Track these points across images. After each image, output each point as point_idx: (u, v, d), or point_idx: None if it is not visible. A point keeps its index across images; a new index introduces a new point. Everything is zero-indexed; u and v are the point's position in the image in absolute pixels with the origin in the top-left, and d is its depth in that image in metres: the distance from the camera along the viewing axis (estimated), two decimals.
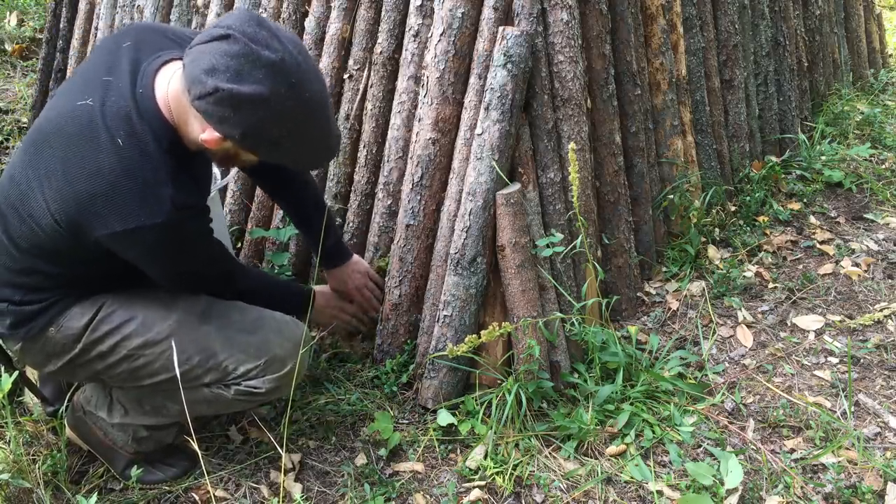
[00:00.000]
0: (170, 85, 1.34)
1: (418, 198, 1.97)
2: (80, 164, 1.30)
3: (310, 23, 2.25)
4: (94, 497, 1.49)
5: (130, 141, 1.31)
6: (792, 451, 1.75)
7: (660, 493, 1.65)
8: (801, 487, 1.63)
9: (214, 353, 1.51)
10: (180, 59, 1.38)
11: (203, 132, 1.31)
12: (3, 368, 1.63)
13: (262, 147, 1.32)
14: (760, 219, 2.68)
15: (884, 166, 3.06)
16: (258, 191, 2.40)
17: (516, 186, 1.87)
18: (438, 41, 1.89)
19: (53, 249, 1.40)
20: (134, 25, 1.51)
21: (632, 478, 1.69)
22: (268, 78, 1.23)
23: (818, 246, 2.56)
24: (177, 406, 1.56)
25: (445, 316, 1.88)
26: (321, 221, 1.87)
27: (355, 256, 1.99)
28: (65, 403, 1.73)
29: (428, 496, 1.69)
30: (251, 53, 1.22)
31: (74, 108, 1.34)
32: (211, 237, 1.50)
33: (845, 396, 1.91)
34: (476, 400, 1.88)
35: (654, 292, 2.37)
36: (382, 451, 1.79)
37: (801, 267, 2.48)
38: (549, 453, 1.78)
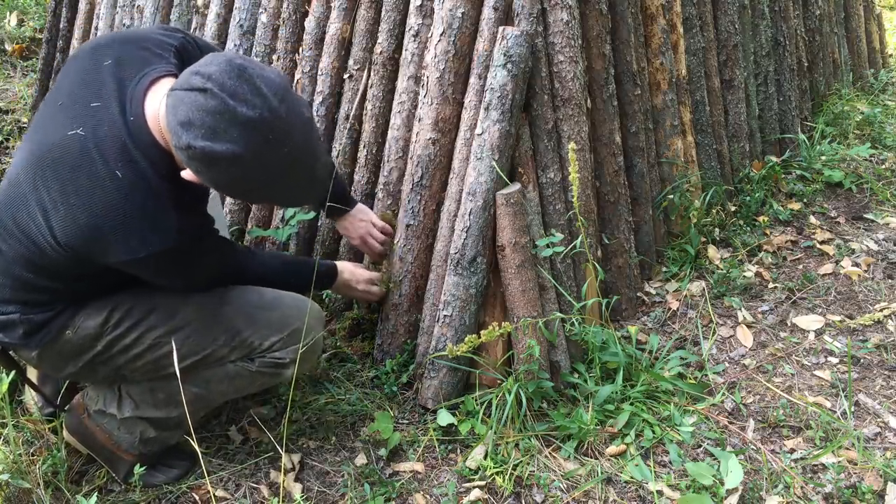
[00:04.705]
0: (161, 108, 1.32)
1: (418, 198, 1.97)
2: (81, 198, 1.30)
3: (310, 23, 2.25)
4: (94, 497, 1.49)
5: (129, 173, 1.31)
6: (792, 451, 1.75)
7: (660, 493, 1.65)
8: (801, 487, 1.63)
9: (239, 331, 1.55)
10: (167, 74, 1.38)
11: (184, 170, 1.33)
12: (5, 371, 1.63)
13: (238, 196, 1.41)
14: (760, 219, 2.68)
15: (884, 166, 3.06)
16: None
17: (516, 186, 1.87)
18: (438, 41, 1.89)
19: (56, 270, 1.41)
20: (110, 40, 1.47)
21: (632, 478, 1.69)
22: (243, 137, 1.21)
23: (818, 246, 2.56)
24: (193, 389, 1.57)
25: (445, 316, 1.88)
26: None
27: (360, 205, 1.97)
28: (59, 401, 1.72)
29: (428, 496, 1.69)
30: (227, 111, 1.20)
31: (65, 139, 1.32)
32: (218, 242, 1.52)
33: (845, 396, 1.91)
34: (476, 400, 1.88)
35: (654, 292, 2.37)
36: (382, 451, 1.79)
37: (801, 267, 2.48)
38: (549, 453, 1.78)
